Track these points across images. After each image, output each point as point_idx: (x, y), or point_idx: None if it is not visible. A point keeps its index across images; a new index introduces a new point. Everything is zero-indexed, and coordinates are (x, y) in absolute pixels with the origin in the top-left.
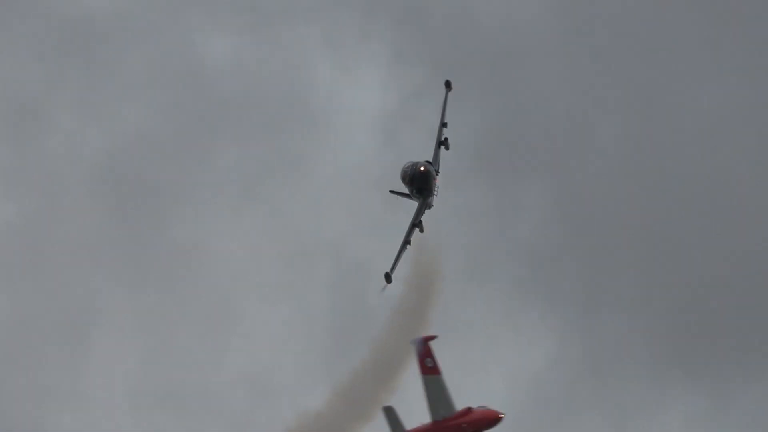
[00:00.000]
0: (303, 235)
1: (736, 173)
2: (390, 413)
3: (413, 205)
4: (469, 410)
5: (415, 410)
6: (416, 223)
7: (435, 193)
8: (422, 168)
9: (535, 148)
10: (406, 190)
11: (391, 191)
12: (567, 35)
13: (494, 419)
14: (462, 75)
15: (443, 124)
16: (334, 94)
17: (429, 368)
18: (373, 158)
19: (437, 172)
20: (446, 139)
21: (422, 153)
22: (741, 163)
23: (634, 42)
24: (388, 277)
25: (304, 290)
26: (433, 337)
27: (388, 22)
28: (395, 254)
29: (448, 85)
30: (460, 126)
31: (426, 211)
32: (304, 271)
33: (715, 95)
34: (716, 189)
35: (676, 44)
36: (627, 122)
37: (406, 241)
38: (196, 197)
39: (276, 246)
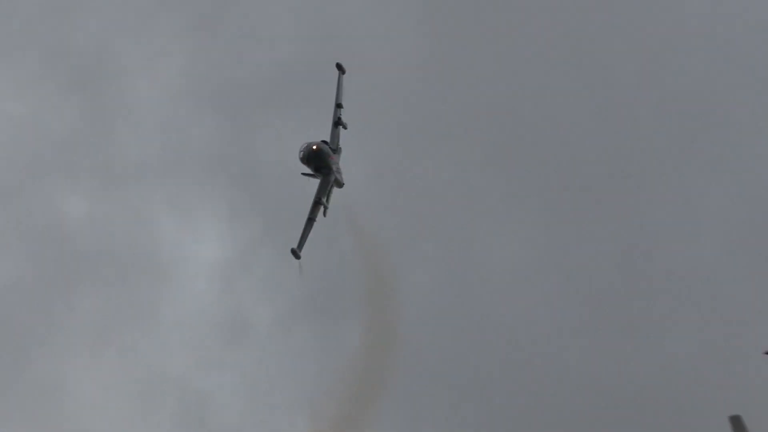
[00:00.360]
0: (152, 373)
1: (538, 320)
2: (737, 422)
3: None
4: None
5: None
6: (318, 201)
7: (335, 169)
8: (315, 147)
9: (353, 295)
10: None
11: (302, 174)
12: (381, 192)
13: None
14: (291, 230)
15: (338, 105)
16: (178, 246)
17: None
18: (214, 303)
19: (334, 150)
20: (339, 118)
21: (258, 296)
22: (541, 308)
23: (443, 200)
24: (295, 253)
25: (154, 422)
26: None
27: (225, 182)
28: (301, 231)
29: (339, 67)
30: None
31: (338, 189)
32: (154, 405)
33: (516, 248)
34: (520, 338)
35: (480, 201)
36: (437, 274)
37: (310, 218)
38: (56, 340)
39: (128, 382)
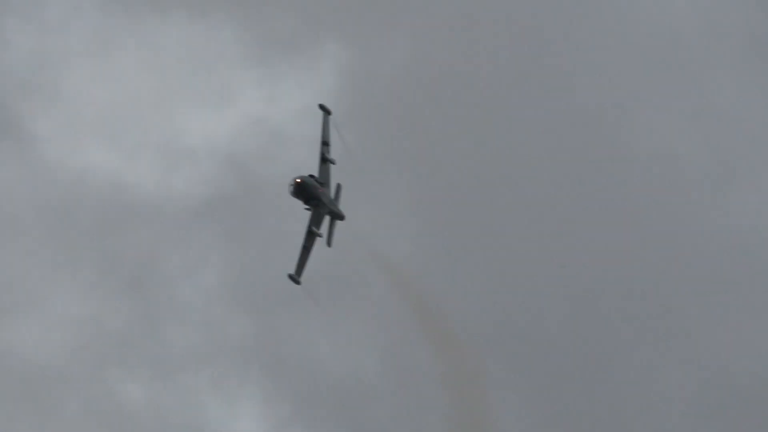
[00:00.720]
0: None
1: None
2: None
3: None
4: None
5: None
6: (310, 230)
7: (326, 201)
8: (298, 180)
9: None
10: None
11: (305, 208)
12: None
13: None
14: (318, 409)
15: (324, 143)
16: (220, 425)
17: None
18: None
19: (321, 183)
20: (324, 155)
21: None
22: None
23: None
24: (293, 279)
25: None
26: None
27: (258, 370)
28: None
29: (323, 108)
30: None
31: (339, 222)
32: None
33: None
34: None
35: None
36: None
37: (305, 246)
38: None
39: None
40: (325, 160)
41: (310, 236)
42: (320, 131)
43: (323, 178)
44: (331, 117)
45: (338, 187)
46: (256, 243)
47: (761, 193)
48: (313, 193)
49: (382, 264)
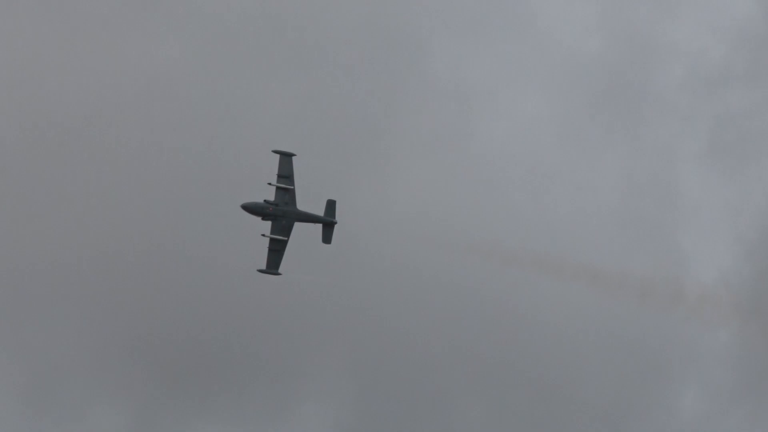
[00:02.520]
0: None
1: None
2: None
3: None
4: None
5: None
6: (268, 236)
7: (282, 216)
8: (240, 205)
9: None
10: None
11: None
12: None
13: None
14: None
15: (279, 176)
16: None
17: None
18: None
19: (276, 204)
20: (278, 185)
21: None
22: None
23: None
24: (266, 272)
25: None
26: None
27: None
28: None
29: (281, 152)
30: None
31: (332, 228)
32: None
33: None
34: None
35: None
36: None
37: (270, 248)
38: None
39: None
40: (280, 188)
41: (272, 241)
42: (277, 169)
43: (279, 200)
44: (293, 158)
45: (329, 202)
46: None
47: None
48: (261, 213)
49: None
